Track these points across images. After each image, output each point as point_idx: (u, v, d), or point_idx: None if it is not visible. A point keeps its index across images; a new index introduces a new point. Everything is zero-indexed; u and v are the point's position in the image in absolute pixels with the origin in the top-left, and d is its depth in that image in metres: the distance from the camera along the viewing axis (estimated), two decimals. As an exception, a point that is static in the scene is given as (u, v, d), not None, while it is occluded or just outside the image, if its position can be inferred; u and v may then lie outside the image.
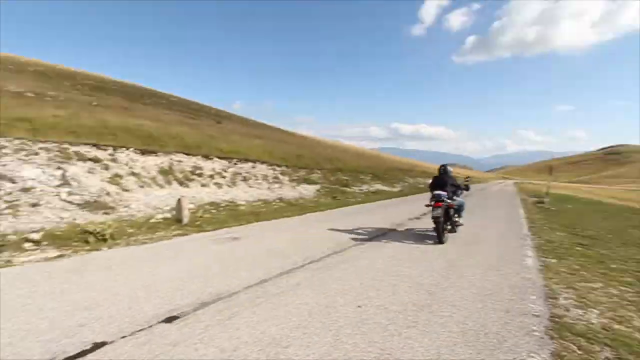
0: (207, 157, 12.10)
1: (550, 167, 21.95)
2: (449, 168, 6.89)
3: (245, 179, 11.93)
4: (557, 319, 3.00)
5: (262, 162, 14.46)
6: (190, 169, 10.72)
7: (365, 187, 18.55)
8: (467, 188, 7.66)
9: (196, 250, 5.07)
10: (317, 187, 15.01)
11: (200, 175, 10.77)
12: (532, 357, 2.40)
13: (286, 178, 14.46)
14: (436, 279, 3.98)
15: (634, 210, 15.98)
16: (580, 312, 3.21)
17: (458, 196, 6.84)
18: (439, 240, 5.82)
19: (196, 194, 9.41)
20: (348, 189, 16.59)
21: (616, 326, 2.94)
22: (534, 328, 2.80)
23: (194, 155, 11.59)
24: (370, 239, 6.08)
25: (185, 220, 6.88)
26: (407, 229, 7.24)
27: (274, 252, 4.94)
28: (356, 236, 6.25)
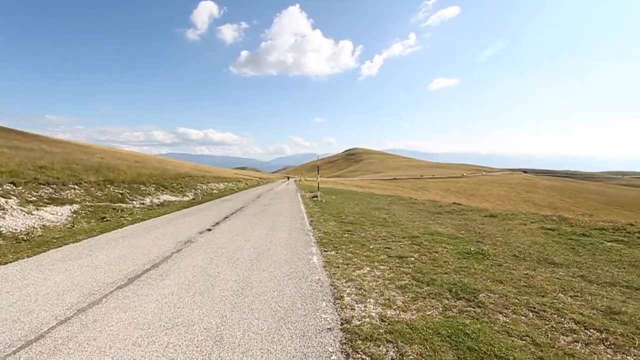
0: None
1: (318, 167, 26.81)
2: (289, 177, 55.77)
3: None
4: (347, 325, 2.92)
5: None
6: None
7: (148, 200, 15.42)
8: (287, 178, 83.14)
9: None
10: (75, 207, 10.85)
11: None
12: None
13: (14, 201, 9.48)
14: (223, 311, 3.17)
15: (371, 194, 21.96)
16: (362, 307, 3.33)
17: (288, 180, 60.35)
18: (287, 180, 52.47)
19: None
20: (124, 205, 13.13)
21: (388, 312, 3.20)
22: (331, 349, 2.53)
23: None
24: (143, 272, 4.49)
25: None
26: (196, 247, 6.09)
27: None
28: (120, 274, 4.46)
